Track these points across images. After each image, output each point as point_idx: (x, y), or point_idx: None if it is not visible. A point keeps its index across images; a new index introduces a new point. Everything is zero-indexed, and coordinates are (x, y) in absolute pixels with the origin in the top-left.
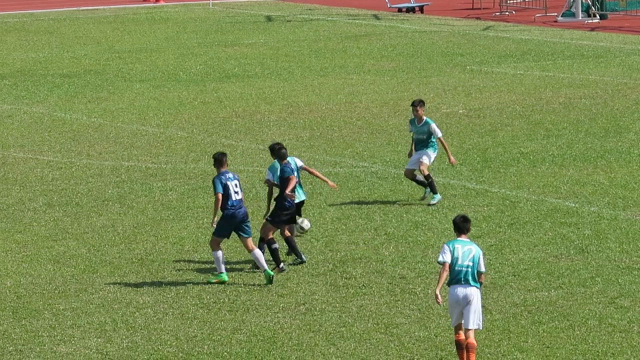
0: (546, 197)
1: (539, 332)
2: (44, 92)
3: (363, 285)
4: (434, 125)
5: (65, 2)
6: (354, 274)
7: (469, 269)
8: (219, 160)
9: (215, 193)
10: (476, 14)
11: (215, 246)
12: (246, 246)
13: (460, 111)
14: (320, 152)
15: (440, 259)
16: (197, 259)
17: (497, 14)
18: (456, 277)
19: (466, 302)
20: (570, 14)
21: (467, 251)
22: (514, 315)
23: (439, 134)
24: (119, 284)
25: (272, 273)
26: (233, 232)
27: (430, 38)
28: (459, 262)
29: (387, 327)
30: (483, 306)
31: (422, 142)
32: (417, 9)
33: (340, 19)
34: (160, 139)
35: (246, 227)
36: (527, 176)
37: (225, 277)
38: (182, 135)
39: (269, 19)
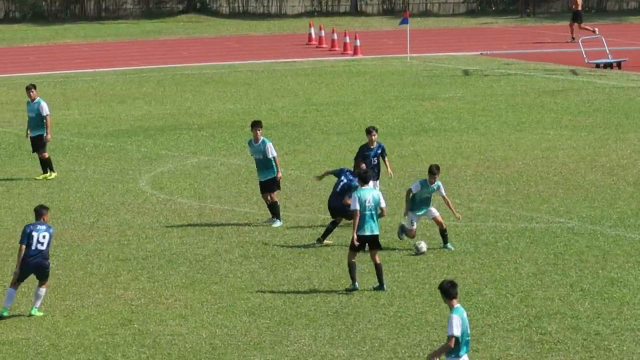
0: None
1: None
2: (241, 144)
3: (558, 341)
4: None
5: (264, 55)
6: (549, 329)
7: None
8: (37, 212)
9: (20, 244)
10: None
11: (12, 284)
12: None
13: None
14: (517, 207)
15: (457, 332)
16: (392, 313)
17: None
18: (465, 346)
19: None
20: None
21: (465, 319)
22: None
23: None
24: (314, 336)
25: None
26: None
27: (628, 94)
28: (467, 332)
29: None
30: None
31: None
32: (614, 64)
33: (537, 74)
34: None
35: (42, 275)
36: None
37: (5, 312)
38: (379, 188)
39: (466, 73)
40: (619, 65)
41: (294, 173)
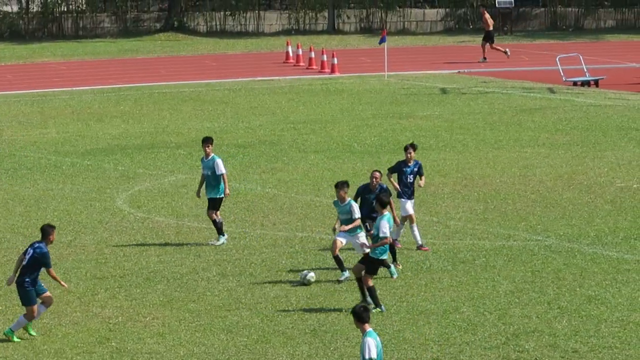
0: None
1: None
2: None
3: (535, 358)
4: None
5: (241, 73)
6: (526, 347)
7: None
8: (42, 230)
9: None
10: None
11: None
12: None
13: (635, 186)
14: (494, 225)
15: (374, 355)
16: None
17: None
18: None
19: None
20: None
21: (379, 343)
22: None
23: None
24: (292, 354)
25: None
26: None
27: (605, 112)
28: (381, 355)
29: None
30: None
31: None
32: (592, 82)
33: (515, 92)
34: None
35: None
36: None
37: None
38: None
39: (443, 91)
40: (596, 83)
41: (271, 191)
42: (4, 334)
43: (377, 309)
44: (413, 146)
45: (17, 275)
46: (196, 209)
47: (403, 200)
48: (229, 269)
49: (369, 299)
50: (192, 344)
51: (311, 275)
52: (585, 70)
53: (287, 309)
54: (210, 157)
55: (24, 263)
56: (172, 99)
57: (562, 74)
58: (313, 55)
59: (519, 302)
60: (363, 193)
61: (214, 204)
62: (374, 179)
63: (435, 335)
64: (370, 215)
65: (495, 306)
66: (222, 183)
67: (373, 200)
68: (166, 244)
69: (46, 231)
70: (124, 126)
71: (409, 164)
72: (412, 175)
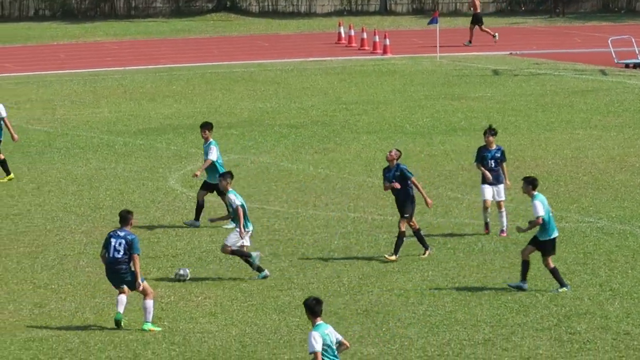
0: None
1: None
2: (270, 142)
3: (587, 340)
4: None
5: (293, 54)
6: (578, 329)
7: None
8: (121, 217)
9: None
10: None
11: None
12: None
13: None
14: None
15: (316, 348)
16: (421, 312)
17: None
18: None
19: None
20: None
21: (328, 335)
22: None
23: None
24: (344, 334)
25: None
26: None
27: None
28: (332, 347)
29: None
30: None
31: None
32: None
33: (567, 74)
34: (388, 192)
35: (124, 283)
36: None
37: (118, 316)
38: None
39: (495, 72)
40: None
41: (323, 172)
42: (143, 329)
43: (563, 288)
44: (491, 131)
45: (111, 264)
46: (248, 188)
47: (484, 185)
48: (281, 249)
49: (525, 285)
50: (244, 324)
51: (182, 273)
52: (638, 52)
53: (338, 289)
54: (208, 141)
55: (117, 255)
56: (225, 79)
57: (614, 56)
58: (365, 36)
59: (571, 284)
60: (384, 173)
61: (208, 187)
62: (388, 156)
63: (487, 316)
64: (400, 196)
65: (547, 288)
66: (216, 168)
67: (392, 179)
68: (218, 224)
69: (125, 217)
70: (176, 106)
71: (490, 149)
72: (493, 161)
